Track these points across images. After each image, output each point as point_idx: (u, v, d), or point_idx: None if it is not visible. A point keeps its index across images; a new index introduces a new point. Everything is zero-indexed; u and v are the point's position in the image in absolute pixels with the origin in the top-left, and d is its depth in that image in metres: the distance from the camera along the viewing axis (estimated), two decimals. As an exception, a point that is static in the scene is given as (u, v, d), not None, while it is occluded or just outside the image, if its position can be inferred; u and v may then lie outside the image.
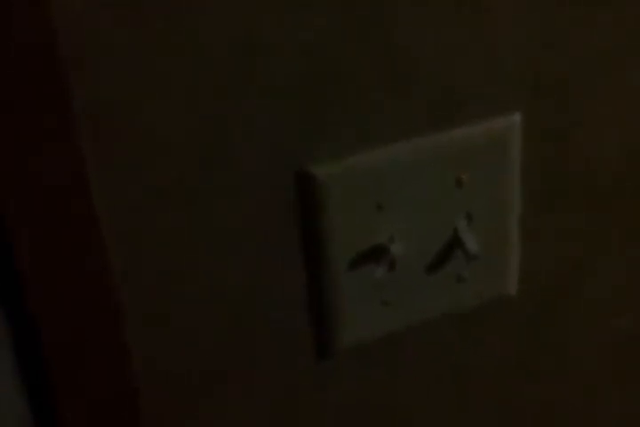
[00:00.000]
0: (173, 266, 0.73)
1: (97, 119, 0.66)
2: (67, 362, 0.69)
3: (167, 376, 0.77)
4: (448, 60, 0.75)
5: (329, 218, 0.75)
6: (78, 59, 0.64)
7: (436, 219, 0.79)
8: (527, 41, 0.77)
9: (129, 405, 0.73)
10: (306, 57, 0.70)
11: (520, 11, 0.75)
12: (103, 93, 0.65)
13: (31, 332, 0.68)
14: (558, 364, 0.94)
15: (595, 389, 0.98)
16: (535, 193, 0.84)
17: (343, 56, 0.71)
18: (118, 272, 0.71)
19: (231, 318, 0.77)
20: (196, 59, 0.67)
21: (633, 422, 1.02)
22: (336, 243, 0.76)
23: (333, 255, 0.77)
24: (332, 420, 0.85)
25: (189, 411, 0.79)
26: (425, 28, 0.73)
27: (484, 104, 0.78)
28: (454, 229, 0.80)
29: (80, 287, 0.68)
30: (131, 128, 0.67)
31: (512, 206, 0.82)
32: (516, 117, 0.79)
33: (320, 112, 0.72)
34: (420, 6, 0.72)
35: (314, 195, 0.74)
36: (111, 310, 0.70)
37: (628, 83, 0.82)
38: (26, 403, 0.73)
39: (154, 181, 0.70)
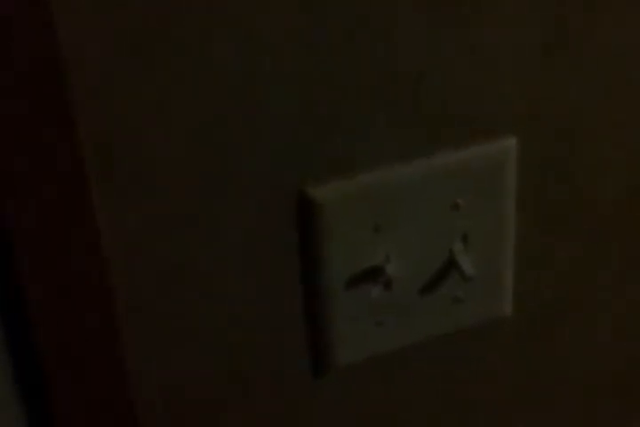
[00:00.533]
0: (172, 282, 0.74)
1: (102, 136, 0.67)
2: (64, 372, 0.70)
3: (161, 393, 0.78)
4: (446, 83, 0.76)
5: (326, 238, 0.76)
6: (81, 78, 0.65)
7: (432, 240, 0.80)
8: (527, 65, 0.78)
9: (126, 414, 0.74)
10: (304, 80, 0.71)
11: (520, 32, 0.76)
12: (106, 106, 0.67)
13: (28, 336, 0.69)
14: (552, 384, 0.95)
15: (593, 412, 0.98)
16: (531, 217, 0.85)
17: (341, 79, 0.72)
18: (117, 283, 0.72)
19: (226, 336, 0.78)
20: (194, 82, 0.68)
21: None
22: (333, 263, 0.77)
23: (330, 275, 0.78)
24: (328, 437, 0.86)
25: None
26: (423, 50, 0.74)
27: (480, 129, 0.79)
28: (450, 250, 0.81)
29: (80, 296, 0.69)
30: (131, 146, 0.68)
31: (508, 230, 0.83)
32: (512, 142, 0.80)
33: (318, 134, 0.74)
34: (418, 27, 0.73)
35: (312, 216, 0.75)
36: (110, 326, 0.71)
37: (629, 109, 0.83)
38: (23, 406, 0.74)
39: (153, 209, 0.71)
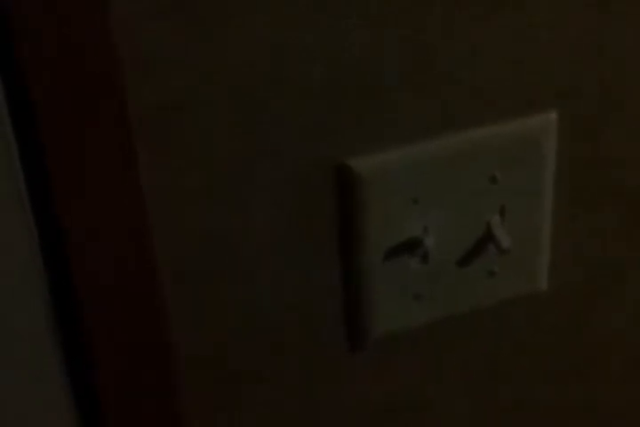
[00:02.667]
0: (214, 256, 0.75)
1: (146, 117, 0.68)
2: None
3: (198, 362, 0.78)
4: (488, 57, 0.76)
5: (365, 210, 0.76)
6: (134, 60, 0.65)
7: (469, 214, 0.80)
8: (569, 39, 0.77)
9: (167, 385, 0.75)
10: (341, 57, 0.71)
11: (561, 9, 0.76)
12: (155, 93, 0.67)
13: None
14: (587, 359, 0.95)
15: (629, 385, 0.98)
16: (569, 192, 0.84)
17: (380, 50, 0.72)
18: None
19: (263, 308, 0.78)
20: (235, 60, 0.68)
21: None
22: (371, 235, 0.78)
23: (368, 247, 0.78)
24: (361, 411, 0.87)
25: (221, 401, 0.81)
26: (467, 23, 0.74)
27: (522, 102, 0.79)
28: (487, 223, 0.81)
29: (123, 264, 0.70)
30: (176, 125, 0.69)
31: (545, 204, 0.83)
32: (552, 116, 0.80)
33: (359, 108, 0.74)
34: (449, 4, 0.73)
35: (351, 188, 0.76)
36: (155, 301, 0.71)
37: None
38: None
39: (197, 179, 0.71)
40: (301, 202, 0.75)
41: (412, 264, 0.79)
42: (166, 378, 0.75)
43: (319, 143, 0.74)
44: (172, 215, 0.71)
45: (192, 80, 0.68)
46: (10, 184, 0.66)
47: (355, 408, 0.86)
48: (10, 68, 0.62)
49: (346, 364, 0.83)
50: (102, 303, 0.70)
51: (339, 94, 0.73)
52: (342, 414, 0.86)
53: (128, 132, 0.66)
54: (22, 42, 0.60)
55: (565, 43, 0.78)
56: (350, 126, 0.74)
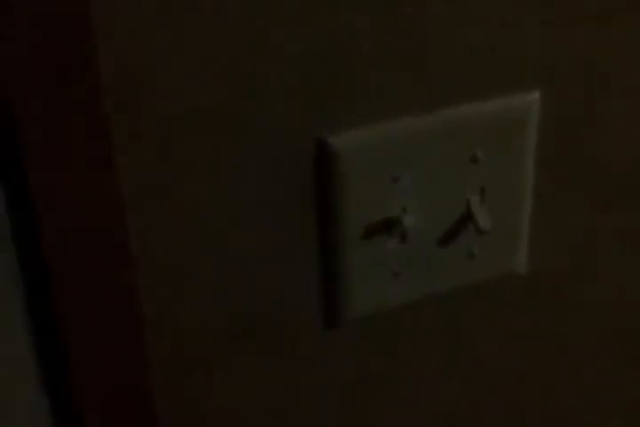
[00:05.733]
0: (186, 229, 0.74)
1: (122, 90, 0.67)
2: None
3: (172, 334, 0.78)
4: (466, 34, 0.75)
5: (343, 188, 0.76)
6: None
7: (449, 193, 0.79)
8: (553, 20, 0.77)
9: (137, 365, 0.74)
10: (323, 32, 0.70)
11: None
12: (130, 59, 0.66)
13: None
14: (560, 346, 0.95)
15: (606, 369, 0.98)
16: (550, 173, 0.84)
17: (360, 30, 0.71)
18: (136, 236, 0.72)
19: (241, 285, 0.78)
20: (214, 26, 0.67)
21: (631, 408, 1.03)
22: (349, 213, 0.77)
23: (346, 225, 0.77)
24: (336, 389, 0.86)
25: (194, 378, 0.80)
26: (451, 3, 0.73)
27: (504, 82, 0.78)
28: (467, 204, 0.80)
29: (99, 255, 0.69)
30: (155, 98, 0.68)
31: (526, 185, 0.83)
32: (535, 96, 0.79)
33: (338, 83, 0.73)
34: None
35: (330, 165, 0.75)
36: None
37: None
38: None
39: (173, 155, 0.70)
40: (279, 179, 0.75)
41: (390, 243, 0.79)
42: (137, 353, 0.74)
43: (298, 120, 0.73)
44: (148, 189, 0.71)
45: (166, 50, 0.67)
46: None
47: (330, 385, 0.86)
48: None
49: (323, 341, 0.83)
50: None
51: (318, 70, 0.72)
52: (318, 389, 0.85)
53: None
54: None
55: (548, 20, 0.77)
56: (330, 103, 0.73)
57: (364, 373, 0.87)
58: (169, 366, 0.78)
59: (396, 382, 0.89)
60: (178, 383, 0.79)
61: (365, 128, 0.75)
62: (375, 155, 0.75)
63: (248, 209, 0.75)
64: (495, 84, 0.78)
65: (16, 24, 0.60)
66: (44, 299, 0.71)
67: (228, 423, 0.84)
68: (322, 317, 0.82)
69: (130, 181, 0.70)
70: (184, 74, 0.68)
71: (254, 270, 0.77)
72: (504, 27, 0.76)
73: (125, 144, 0.68)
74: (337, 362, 0.85)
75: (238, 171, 0.73)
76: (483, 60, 0.76)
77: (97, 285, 0.70)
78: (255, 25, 0.68)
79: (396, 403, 0.90)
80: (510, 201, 0.83)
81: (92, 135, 0.65)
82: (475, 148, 0.78)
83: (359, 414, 0.89)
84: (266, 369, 0.83)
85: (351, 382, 0.86)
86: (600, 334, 0.96)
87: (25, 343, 0.73)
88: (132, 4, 0.64)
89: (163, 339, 0.77)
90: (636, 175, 0.88)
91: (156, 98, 0.68)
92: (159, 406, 0.79)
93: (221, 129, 0.71)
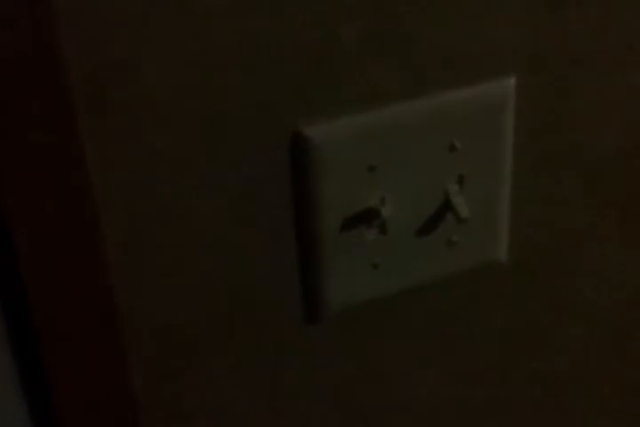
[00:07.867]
0: (164, 223, 0.73)
1: (95, 85, 0.66)
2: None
3: (153, 332, 0.77)
4: (445, 23, 0.74)
5: (321, 179, 0.75)
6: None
7: (427, 182, 0.79)
8: (528, 6, 0.76)
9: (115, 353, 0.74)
10: (300, 23, 0.70)
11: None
12: (101, 58, 0.65)
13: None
14: (544, 334, 0.94)
15: (590, 355, 0.98)
16: (529, 160, 0.84)
17: (334, 21, 0.71)
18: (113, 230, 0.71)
19: (219, 279, 0.77)
20: (189, 20, 0.67)
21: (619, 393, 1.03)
22: (327, 204, 0.76)
23: (324, 217, 0.77)
24: (320, 384, 0.86)
25: (175, 376, 0.79)
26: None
27: (479, 69, 0.77)
28: (446, 193, 0.80)
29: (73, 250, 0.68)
30: (128, 94, 0.67)
31: (504, 172, 0.82)
32: (511, 82, 0.78)
33: (313, 73, 0.72)
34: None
35: (306, 156, 0.74)
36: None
37: (633, 53, 0.82)
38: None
39: (151, 146, 0.70)
40: (256, 170, 0.74)
41: (369, 234, 0.78)
42: (118, 348, 0.73)
43: (273, 110, 0.72)
44: (121, 181, 0.70)
45: (139, 44, 0.66)
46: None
47: (313, 380, 0.85)
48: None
49: (304, 335, 0.82)
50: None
51: (294, 60, 0.71)
52: (300, 385, 0.85)
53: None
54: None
55: (523, 8, 0.76)
56: (305, 93, 0.73)
57: (347, 366, 0.86)
58: (153, 366, 0.78)
59: (379, 375, 0.88)
60: (162, 382, 0.79)
61: (340, 119, 0.74)
62: (351, 145, 0.75)
63: (225, 202, 0.74)
64: (471, 72, 0.77)
65: None
66: (19, 299, 0.70)
67: (214, 422, 0.83)
68: (302, 310, 0.81)
69: (101, 177, 0.69)
70: (166, 66, 0.67)
71: (232, 265, 0.77)
72: (479, 13, 0.75)
73: (94, 132, 0.68)
74: (320, 356, 0.84)
75: (214, 164, 0.72)
76: (458, 49, 0.76)
77: (73, 284, 0.70)
78: (233, 18, 0.67)
79: (379, 396, 0.89)
80: (489, 189, 0.82)
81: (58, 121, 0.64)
82: (452, 135, 0.78)
83: (343, 409, 0.88)
84: (249, 367, 0.82)
85: (335, 376, 0.86)
86: (585, 321, 0.96)
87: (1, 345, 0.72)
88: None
89: (145, 338, 0.76)
90: (615, 161, 0.87)
91: (132, 92, 0.67)
92: (144, 406, 0.79)
93: (195, 121, 0.70)
